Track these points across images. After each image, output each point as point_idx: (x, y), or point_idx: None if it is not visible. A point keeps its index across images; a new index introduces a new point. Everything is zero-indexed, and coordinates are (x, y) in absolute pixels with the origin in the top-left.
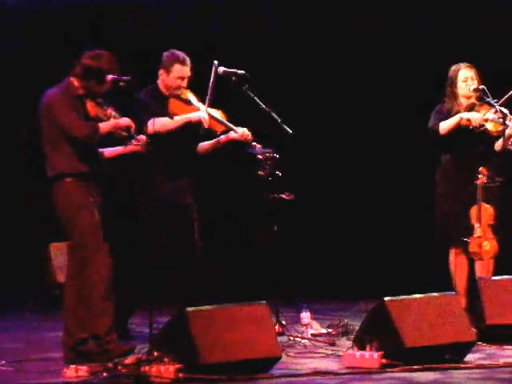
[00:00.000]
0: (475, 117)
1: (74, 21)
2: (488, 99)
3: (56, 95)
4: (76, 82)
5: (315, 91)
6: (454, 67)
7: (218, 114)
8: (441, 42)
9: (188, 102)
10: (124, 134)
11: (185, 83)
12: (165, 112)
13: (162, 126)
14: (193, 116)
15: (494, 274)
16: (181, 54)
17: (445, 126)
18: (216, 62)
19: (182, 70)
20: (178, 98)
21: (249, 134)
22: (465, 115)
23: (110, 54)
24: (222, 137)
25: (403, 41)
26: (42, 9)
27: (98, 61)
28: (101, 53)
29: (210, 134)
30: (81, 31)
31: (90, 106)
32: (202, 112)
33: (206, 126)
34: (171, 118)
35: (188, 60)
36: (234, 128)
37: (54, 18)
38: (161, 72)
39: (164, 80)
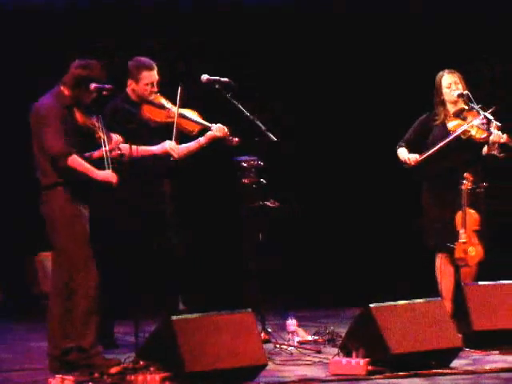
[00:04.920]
0: (412, 157)
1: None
2: (472, 104)
3: (51, 106)
4: (66, 91)
5: (312, 97)
6: (438, 74)
7: (191, 113)
8: (450, 43)
9: (161, 107)
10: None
11: (155, 88)
12: (140, 119)
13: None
14: (157, 149)
15: (479, 280)
16: (146, 59)
17: (399, 153)
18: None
19: (150, 76)
20: (151, 103)
21: (224, 127)
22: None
23: (98, 62)
24: (201, 139)
25: (411, 43)
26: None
27: (89, 70)
28: (91, 62)
29: (186, 135)
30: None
31: (79, 115)
32: (167, 143)
33: (176, 156)
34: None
35: (154, 64)
36: (209, 125)
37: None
38: (129, 82)
39: (134, 89)
